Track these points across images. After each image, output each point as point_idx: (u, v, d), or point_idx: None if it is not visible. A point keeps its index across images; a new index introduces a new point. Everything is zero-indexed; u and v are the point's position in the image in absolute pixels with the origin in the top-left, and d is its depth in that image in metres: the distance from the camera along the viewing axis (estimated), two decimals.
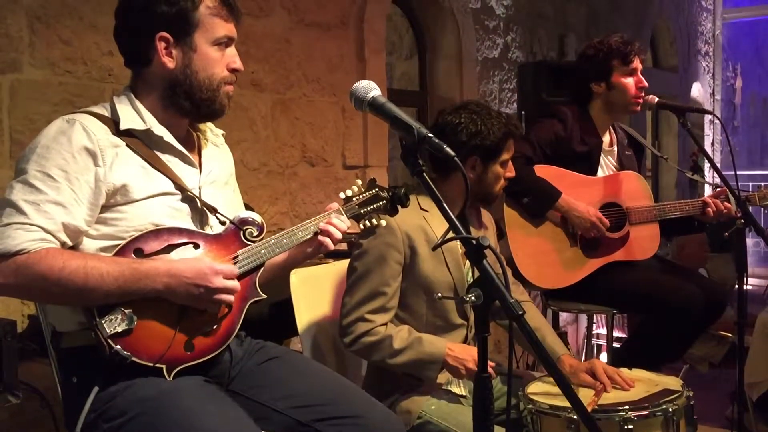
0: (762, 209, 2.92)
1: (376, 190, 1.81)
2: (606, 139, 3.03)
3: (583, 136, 2.94)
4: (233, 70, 1.70)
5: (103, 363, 1.52)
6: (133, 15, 1.65)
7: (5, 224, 1.48)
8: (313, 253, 1.81)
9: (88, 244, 1.58)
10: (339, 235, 1.74)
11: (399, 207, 1.82)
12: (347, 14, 3.84)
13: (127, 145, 1.61)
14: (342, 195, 1.80)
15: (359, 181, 1.82)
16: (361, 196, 1.80)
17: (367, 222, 1.80)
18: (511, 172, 2.24)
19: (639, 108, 2.94)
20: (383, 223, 1.82)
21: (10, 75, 2.56)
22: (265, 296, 1.69)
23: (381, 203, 1.80)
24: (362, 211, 1.79)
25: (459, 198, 2.15)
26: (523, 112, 4.82)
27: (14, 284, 1.47)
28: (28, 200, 1.50)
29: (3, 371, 2.02)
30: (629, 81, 2.90)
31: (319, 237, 1.74)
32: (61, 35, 2.70)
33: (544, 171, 2.85)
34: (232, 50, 1.70)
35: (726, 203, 2.85)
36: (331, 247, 1.75)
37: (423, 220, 2.09)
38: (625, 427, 1.76)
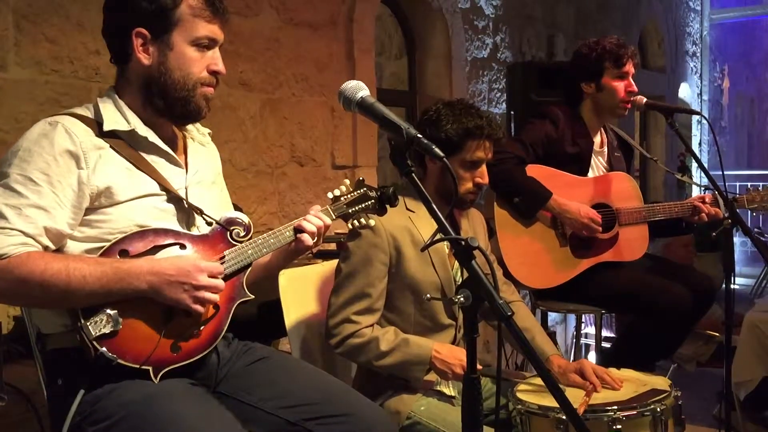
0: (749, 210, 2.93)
1: (365, 189, 1.80)
2: (597, 140, 3.04)
3: (575, 137, 2.94)
4: (213, 72, 1.67)
5: (89, 365, 1.50)
6: (113, 9, 1.65)
7: None
8: (293, 251, 1.78)
9: (73, 247, 1.56)
10: (312, 228, 1.71)
11: (388, 206, 1.81)
12: (336, 14, 3.83)
13: (111, 147, 1.59)
14: (330, 195, 1.79)
15: (347, 181, 1.81)
16: (349, 196, 1.79)
17: (355, 221, 1.78)
18: (481, 179, 2.14)
19: (626, 112, 2.95)
20: (372, 222, 1.81)
21: None
22: (253, 296, 1.68)
23: (369, 203, 1.79)
24: (350, 211, 1.78)
25: (433, 196, 2.11)
26: (512, 112, 4.82)
27: None
28: (9, 204, 1.48)
29: None
30: (619, 85, 2.89)
31: (297, 234, 1.71)
32: (48, 34, 2.67)
33: (535, 171, 2.85)
34: (215, 52, 1.68)
35: (714, 208, 2.85)
36: (309, 242, 1.71)
37: (409, 221, 2.08)
38: (614, 427, 1.76)
